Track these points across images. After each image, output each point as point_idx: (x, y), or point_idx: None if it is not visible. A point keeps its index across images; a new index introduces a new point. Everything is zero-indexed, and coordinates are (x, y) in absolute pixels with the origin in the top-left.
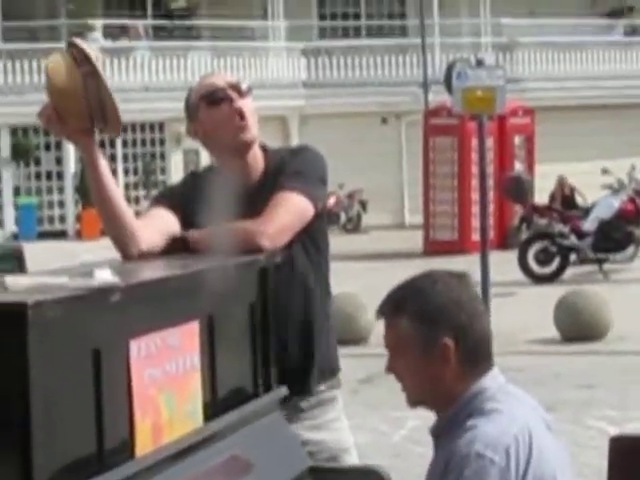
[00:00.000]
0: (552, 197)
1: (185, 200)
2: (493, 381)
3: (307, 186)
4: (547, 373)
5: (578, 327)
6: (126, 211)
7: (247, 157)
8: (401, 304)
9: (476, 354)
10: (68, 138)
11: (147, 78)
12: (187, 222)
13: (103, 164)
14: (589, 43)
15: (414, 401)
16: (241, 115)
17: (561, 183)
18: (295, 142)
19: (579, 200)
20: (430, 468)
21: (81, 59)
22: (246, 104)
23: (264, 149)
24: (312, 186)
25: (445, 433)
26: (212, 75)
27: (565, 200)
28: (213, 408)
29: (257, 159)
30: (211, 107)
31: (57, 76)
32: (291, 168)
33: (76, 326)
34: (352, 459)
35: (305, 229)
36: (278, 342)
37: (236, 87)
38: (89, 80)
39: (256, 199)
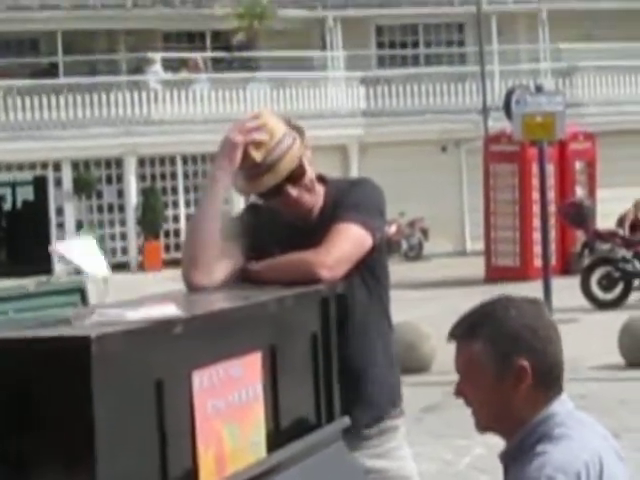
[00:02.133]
0: (621, 219)
1: (246, 233)
2: (562, 407)
3: (365, 217)
4: (612, 399)
5: None
6: (215, 244)
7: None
8: (475, 328)
9: (548, 379)
10: (228, 162)
11: (207, 110)
12: (248, 254)
13: (222, 197)
14: None
15: (483, 426)
16: (295, 203)
17: (637, 206)
18: (355, 171)
19: None
20: None
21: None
22: (303, 183)
23: (322, 180)
24: (370, 217)
25: (514, 459)
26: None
27: (635, 224)
28: (276, 438)
29: (315, 195)
30: (263, 197)
31: (273, 117)
32: (349, 200)
33: (139, 359)
34: None
35: (363, 261)
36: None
37: (294, 175)
38: (287, 138)
39: (316, 232)
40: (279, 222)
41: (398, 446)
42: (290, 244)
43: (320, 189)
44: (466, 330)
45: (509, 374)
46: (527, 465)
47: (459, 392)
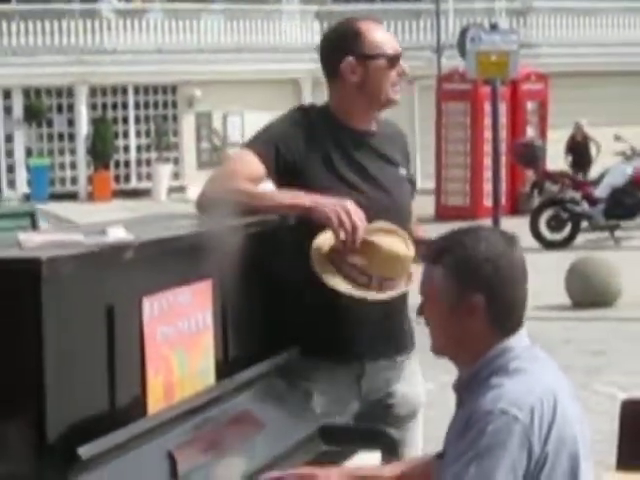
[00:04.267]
0: (566, 145)
1: (294, 132)
2: (519, 341)
3: None
4: (557, 339)
5: (589, 293)
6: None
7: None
8: (440, 254)
9: (504, 318)
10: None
11: (160, 40)
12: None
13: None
14: (604, 9)
15: (438, 350)
16: (400, 82)
17: (576, 129)
18: None
19: (593, 151)
20: (451, 423)
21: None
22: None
23: None
24: None
25: (468, 389)
26: (387, 32)
27: (576, 147)
28: (225, 367)
29: None
30: (388, 68)
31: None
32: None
33: (89, 283)
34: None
35: None
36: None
37: (401, 53)
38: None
39: (379, 150)
40: (332, 123)
41: (417, 371)
42: (346, 148)
43: None
44: (432, 254)
45: (462, 307)
46: (481, 397)
47: (420, 312)
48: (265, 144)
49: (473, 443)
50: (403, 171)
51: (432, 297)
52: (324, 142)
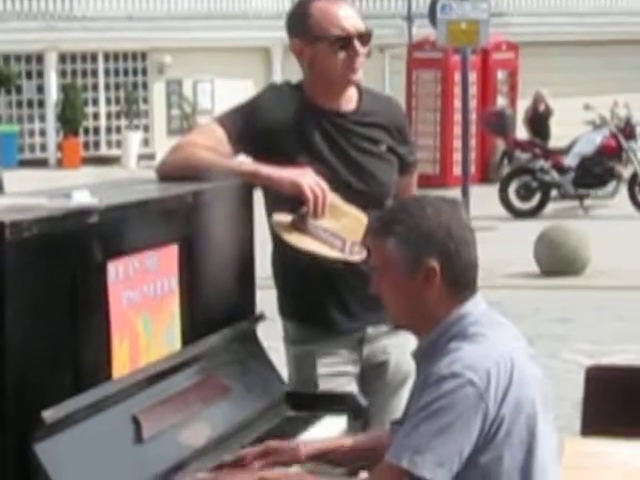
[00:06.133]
0: (526, 114)
1: (263, 108)
2: (475, 307)
3: None
4: (526, 307)
5: (557, 262)
6: None
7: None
8: (389, 225)
9: (460, 280)
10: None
11: (130, 7)
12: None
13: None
14: None
15: (396, 321)
16: (357, 62)
17: (537, 99)
18: (278, 73)
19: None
20: (412, 390)
21: None
22: (365, 50)
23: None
24: None
25: (426, 357)
26: (343, 11)
27: (537, 118)
28: (191, 332)
29: (351, 91)
30: (335, 50)
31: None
32: (408, 134)
33: (54, 247)
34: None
35: None
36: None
37: (363, 36)
38: None
39: (348, 129)
40: (303, 101)
41: (410, 339)
42: (319, 127)
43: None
44: (381, 226)
45: (419, 274)
46: (439, 361)
47: (375, 288)
48: (234, 119)
49: (426, 404)
50: (382, 147)
51: (386, 269)
52: (296, 118)
